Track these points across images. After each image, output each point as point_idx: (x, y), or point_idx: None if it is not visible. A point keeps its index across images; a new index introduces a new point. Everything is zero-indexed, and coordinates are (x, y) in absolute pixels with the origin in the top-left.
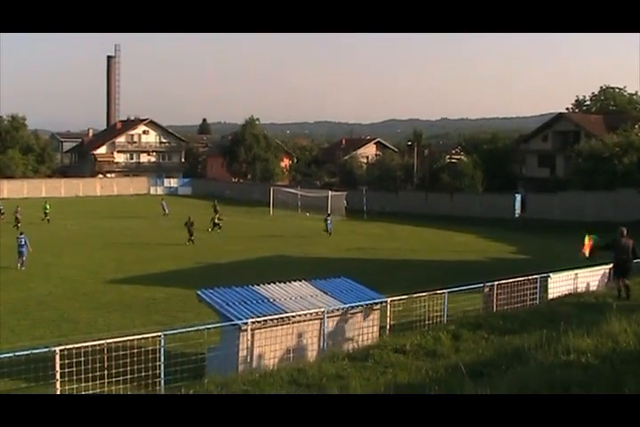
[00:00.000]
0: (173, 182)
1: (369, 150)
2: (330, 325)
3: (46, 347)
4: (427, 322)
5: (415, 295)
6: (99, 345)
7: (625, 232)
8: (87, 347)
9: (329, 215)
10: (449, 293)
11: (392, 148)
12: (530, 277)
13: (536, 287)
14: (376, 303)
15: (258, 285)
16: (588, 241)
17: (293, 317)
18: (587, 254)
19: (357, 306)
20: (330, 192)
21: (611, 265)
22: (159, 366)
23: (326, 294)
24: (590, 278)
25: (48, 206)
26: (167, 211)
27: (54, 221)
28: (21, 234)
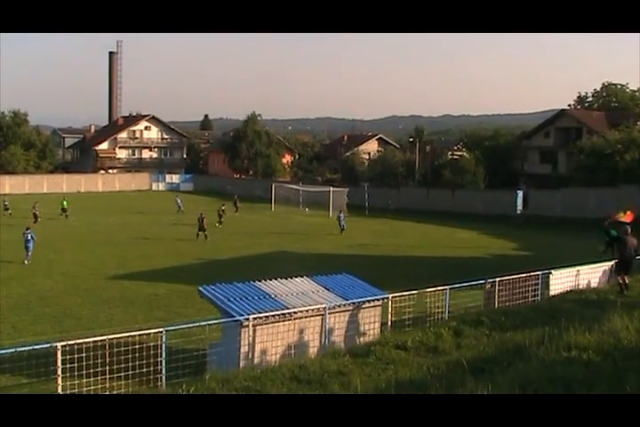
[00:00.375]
0: (175, 178)
1: (371, 147)
2: (331, 321)
3: (48, 343)
4: (428, 318)
5: (417, 292)
6: (100, 341)
7: (629, 229)
8: (89, 343)
9: (341, 212)
10: (450, 289)
11: (394, 144)
12: (531, 274)
13: (538, 284)
14: (378, 299)
15: (259, 281)
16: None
17: (295, 313)
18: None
19: (359, 302)
20: (331, 188)
21: (613, 262)
22: (161, 362)
23: (328, 290)
24: (592, 275)
25: (66, 203)
26: (182, 208)
27: (56, 218)
28: (27, 229)
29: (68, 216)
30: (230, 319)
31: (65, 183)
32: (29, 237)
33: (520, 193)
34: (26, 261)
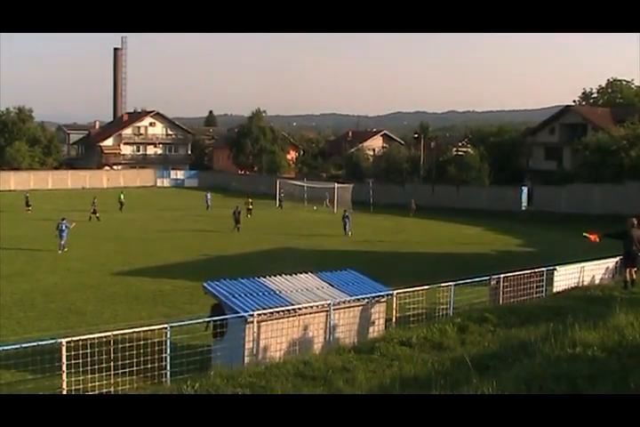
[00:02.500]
0: (180, 174)
1: (375, 143)
2: (336, 317)
3: (53, 339)
4: (433, 315)
5: (421, 288)
6: (105, 337)
7: (635, 223)
8: (93, 339)
9: (346, 212)
10: (455, 285)
11: (398, 140)
12: (536, 270)
13: (542, 280)
14: (382, 296)
15: (264, 277)
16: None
17: (299, 309)
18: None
19: (364, 298)
20: (336, 184)
21: (618, 258)
22: (165, 358)
23: (332, 286)
24: (596, 271)
25: (123, 196)
26: (210, 204)
27: (60, 213)
28: (63, 220)
29: (123, 210)
30: (235, 315)
31: (70, 179)
32: (63, 227)
33: (525, 189)
34: (65, 249)
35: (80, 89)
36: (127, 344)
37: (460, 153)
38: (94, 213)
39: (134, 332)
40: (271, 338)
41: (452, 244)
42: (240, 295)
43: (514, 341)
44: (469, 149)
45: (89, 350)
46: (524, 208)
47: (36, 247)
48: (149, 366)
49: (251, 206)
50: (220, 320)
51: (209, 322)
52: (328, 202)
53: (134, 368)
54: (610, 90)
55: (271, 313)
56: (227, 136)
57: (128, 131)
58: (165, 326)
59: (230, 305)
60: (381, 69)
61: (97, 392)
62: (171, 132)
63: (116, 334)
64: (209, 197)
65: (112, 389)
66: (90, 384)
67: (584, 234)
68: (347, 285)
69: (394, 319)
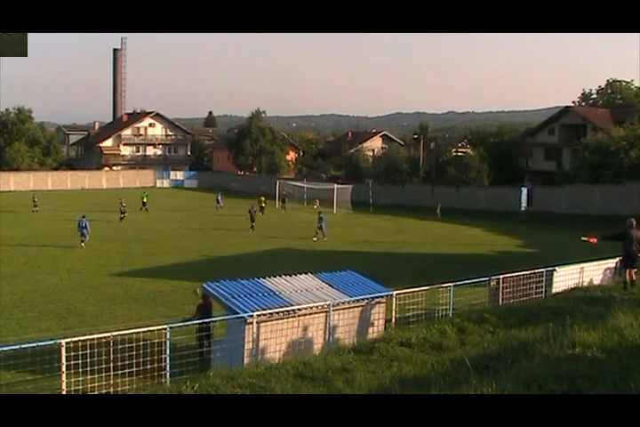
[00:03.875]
0: (179, 175)
1: (375, 143)
2: (335, 318)
3: (52, 339)
4: (433, 315)
5: (421, 288)
6: (105, 338)
7: (634, 224)
8: (93, 340)
9: (321, 213)
10: (455, 286)
11: (398, 141)
12: (536, 271)
13: (542, 281)
14: (382, 296)
15: (263, 277)
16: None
17: (299, 310)
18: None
19: (363, 299)
20: (336, 185)
21: (618, 259)
22: (165, 358)
23: (332, 286)
24: (596, 272)
25: (145, 198)
26: (221, 205)
27: (59, 214)
28: (83, 217)
29: (147, 210)
30: (234, 316)
31: (69, 180)
32: (84, 224)
33: (524, 190)
34: (82, 245)
35: (80, 89)
36: (127, 345)
37: (459, 154)
38: (123, 213)
39: (134, 333)
40: (271, 339)
41: (452, 244)
42: (240, 296)
43: (513, 341)
44: (469, 150)
45: (88, 351)
46: (523, 209)
47: (36, 248)
48: (149, 366)
49: (264, 204)
50: (209, 322)
51: (201, 324)
52: (317, 205)
53: (134, 369)
54: (609, 90)
55: (271, 314)
56: (226, 137)
57: (128, 131)
58: (165, 326)
59: (230, 306)
60: (381, 70)
61: (97, 393)
62: (170, 133)
63: (116, 335)
64: (220, 198)
65: (112, 389)
66: (89, 385)
67: (582, 238)
68: (346, 285)
69: (393, 320)
